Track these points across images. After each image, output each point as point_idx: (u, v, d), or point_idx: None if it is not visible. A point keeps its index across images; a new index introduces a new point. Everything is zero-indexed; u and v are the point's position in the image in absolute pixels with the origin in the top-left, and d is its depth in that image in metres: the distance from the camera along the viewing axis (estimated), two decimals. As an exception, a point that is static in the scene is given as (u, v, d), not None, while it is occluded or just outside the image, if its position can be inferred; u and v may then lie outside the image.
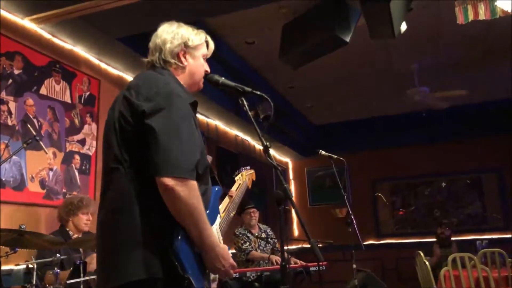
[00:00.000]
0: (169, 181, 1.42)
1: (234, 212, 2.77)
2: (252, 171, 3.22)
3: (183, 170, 1.44)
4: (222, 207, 2.65)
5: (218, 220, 1.76)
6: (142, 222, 1.46)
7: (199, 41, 1.78)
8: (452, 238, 6.02)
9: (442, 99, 5.87)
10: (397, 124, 7.68)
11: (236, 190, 2.96)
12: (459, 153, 7.56)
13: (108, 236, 1.50)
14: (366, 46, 4.68)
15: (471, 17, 2.92)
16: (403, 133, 7.76)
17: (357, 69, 5.72)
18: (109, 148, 1.57)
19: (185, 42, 1.74)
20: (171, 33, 1.73)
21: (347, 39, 3.88)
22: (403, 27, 3.85)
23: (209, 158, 2.80)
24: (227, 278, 1.70)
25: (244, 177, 3.01)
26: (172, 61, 1.71)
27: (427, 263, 4.58)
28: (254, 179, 3.26)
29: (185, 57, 1.74)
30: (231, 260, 1.57)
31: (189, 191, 1.44)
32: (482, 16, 2.89)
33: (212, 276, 1.61)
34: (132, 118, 1.53)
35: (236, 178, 3.13)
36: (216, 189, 1.76)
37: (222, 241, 1.73)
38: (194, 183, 1.48)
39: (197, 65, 1.77)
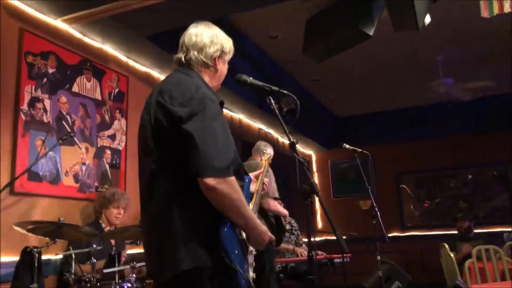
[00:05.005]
0: (210, 181, 1.54)
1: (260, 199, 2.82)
2: (268, 154, 3.17)
3: (221, 170, 1.56)
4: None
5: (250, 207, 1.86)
6: (189, 217, 1.58)
7: (230, 47, 1.90)
8: (479, 231, 5.97)
9: (467, 91, 5.80)
10: (421, 116, 7.62)
11: (256, 185, 2.97)
12: (486, 145, 7.45)
13: (159, 231, 1.62)
14: (390, 38, 4.67)
15: (496, 10, 2.90)
16: (427, 125, 7.69)
17: (380, 61, 5.71)
18: (148, 152, 1.68)
19: (222, 48, 1.85)
20: (211, 37, 1.83)
21: (371, 33, 3.88)
22: (427, 19, 3.83)
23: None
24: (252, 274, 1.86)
25: (263, 163, 2.95)
26: (210, 64, 1.82)
27: (452, 255, 4.58)
28: (270, 162, 3.23)
29: (219, 61, 1.85)
30: (269, 234, 1.74)
31: (230, 188, 1.57)
32: (507, 9, 2.86)
33: (249, 249, 1.78)
34: (168, 124, 1.62)
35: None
36: (247, 179, 1.86)
37: None
38: (233, 179, 1.59)
39: (225, 68, 1.91)
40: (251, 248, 1.82)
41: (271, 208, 3.57)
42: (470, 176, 7.78)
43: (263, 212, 3.55)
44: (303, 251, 4.79)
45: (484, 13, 2.96)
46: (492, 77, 5.82)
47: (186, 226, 1.57)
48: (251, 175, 2.11)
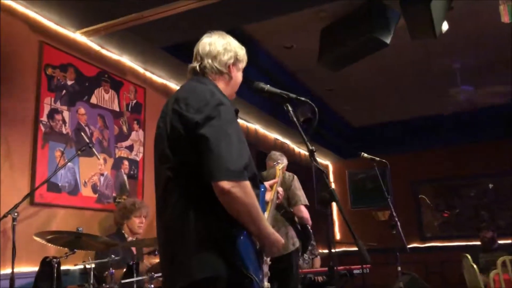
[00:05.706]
0: (225, 185, 1.50)
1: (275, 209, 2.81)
2: (282, 165, 3.18)
3: (235, 173, 1.53)
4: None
5: (265, 216, 1.84)
6: (204, 225, 1.56)
7: (244, 55, 1.91)
8: (502, 242, 5.81)
9: (485, 96, 5.72)
10: (439, 124, 7.50)
11: (271, 194, 2.96)
12: (506, 153, 7.29)
13: (174, 239, 1.60)
14: (405, 46, 4.63)
15: (516, 14, 2.85)
16: (444, 133, 7.58)
17: (396, 70, 5.66)
18: (164, 159, 1.67)
19: (236, 55, 1.86)
20: (224, 45, 1.84)
21: (388, 41, 3.87)
22: (445, 26, 3.80)
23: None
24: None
25: (277, 172, 2.96)
26: (225, 71, 1.83)
27: (474, 266, 4.47)
28: (283, 172, 3.26)
29: (233, 69, 1.86)
30: (282, 242, 1.72)
31: (244, 192, 1.53)
32: (528, 13, 2.82)
33: (264, 259, 1.76)
34: (184, 130, 1.61)
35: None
36: (262, 189, 1.84)
37: None
38: (247, 183, 1.56)
39: (239, 76, 1.91)
40: (266, 257, 1.80)
41: (303, 215, 3.56)
42: (491, 185, 7.62)
43: (291, 219, 3.54)
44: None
45: (504, 18, 2.92)
46: (509, 83, 5.71)
47: (201, 234, 1.55)
48: (266, 184, 2.09)
